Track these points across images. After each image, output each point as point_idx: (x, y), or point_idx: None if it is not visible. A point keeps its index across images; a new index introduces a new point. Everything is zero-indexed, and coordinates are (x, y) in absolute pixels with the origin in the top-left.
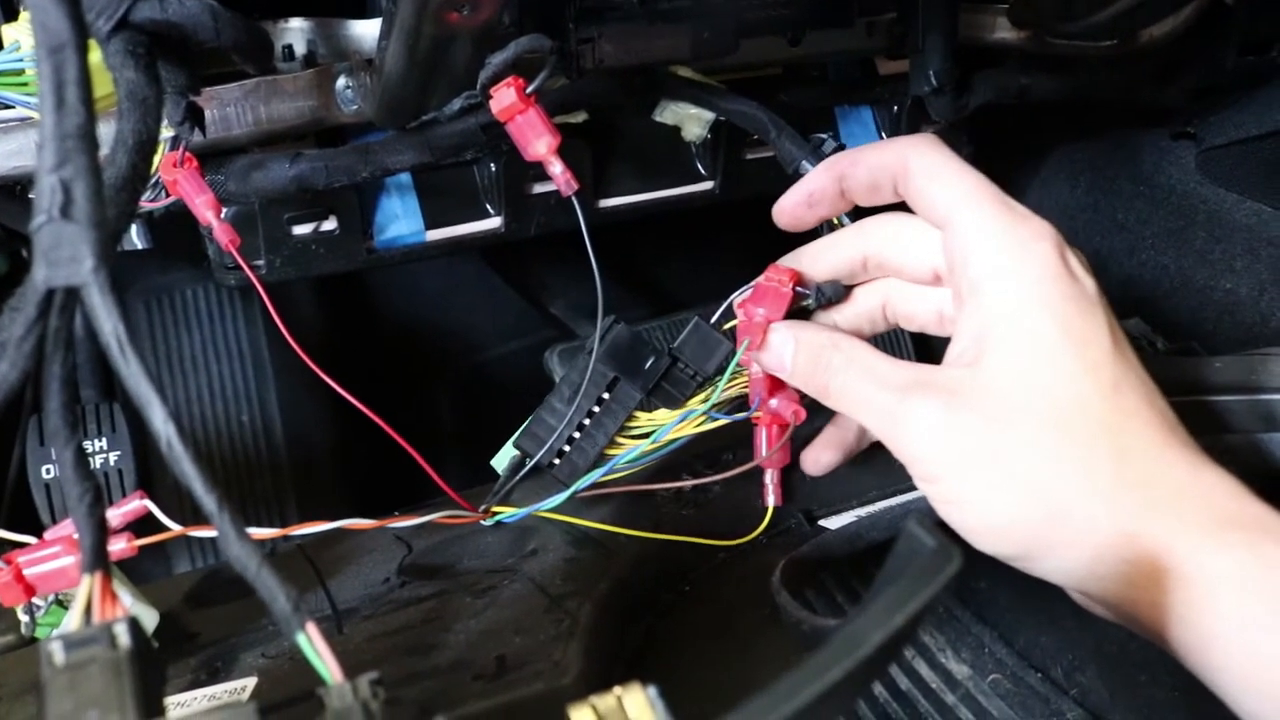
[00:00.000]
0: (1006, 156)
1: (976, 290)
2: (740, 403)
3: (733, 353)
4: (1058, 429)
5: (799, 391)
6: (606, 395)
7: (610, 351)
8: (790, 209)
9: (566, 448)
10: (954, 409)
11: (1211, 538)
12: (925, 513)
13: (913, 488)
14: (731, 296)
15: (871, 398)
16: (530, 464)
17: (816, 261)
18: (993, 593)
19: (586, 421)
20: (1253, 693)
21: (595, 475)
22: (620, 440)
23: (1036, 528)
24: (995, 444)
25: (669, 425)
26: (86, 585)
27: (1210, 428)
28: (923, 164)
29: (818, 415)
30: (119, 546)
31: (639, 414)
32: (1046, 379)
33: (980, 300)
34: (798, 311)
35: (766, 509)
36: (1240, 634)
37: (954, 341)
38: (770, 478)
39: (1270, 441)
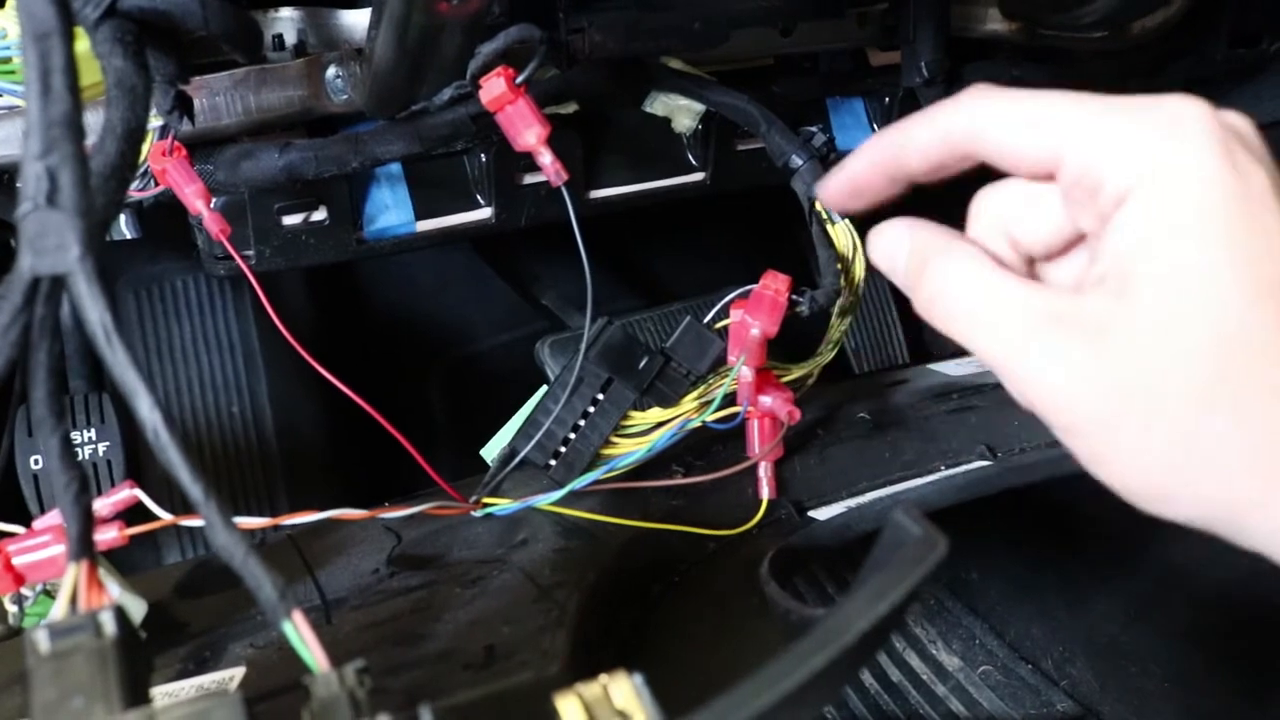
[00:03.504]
0: None
1: (1122, 204)
2: (732, 397)
3: (725, 351)
4: (1228, 377)
5: (793, 390)
6: (601, 396)
7: (604, 352)
8: (836, 202)
9: (562, 449)
10: (1102, 353)
11: None
12: (913, 503)
13: (903, 479)
14: (727, 297)
15: (993, 325)
16: (521, 455)
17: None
18: (984, 585)
19: (581, 423)
20: None
21: (592, 476)
22: (615, 440)
23: (1224, 494)
24: (1155, 395)
25: (666, 435)
26: (72, 574)
27: None
28: (1003, 116)
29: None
30: (109, 536)
31: (633, 413)
32: (1215, 313)
33: (1126, 216)
34: (791, 319)
35: (761, 501)
36: None
37: (1093, 260)
38: (764, 471)
39: None
